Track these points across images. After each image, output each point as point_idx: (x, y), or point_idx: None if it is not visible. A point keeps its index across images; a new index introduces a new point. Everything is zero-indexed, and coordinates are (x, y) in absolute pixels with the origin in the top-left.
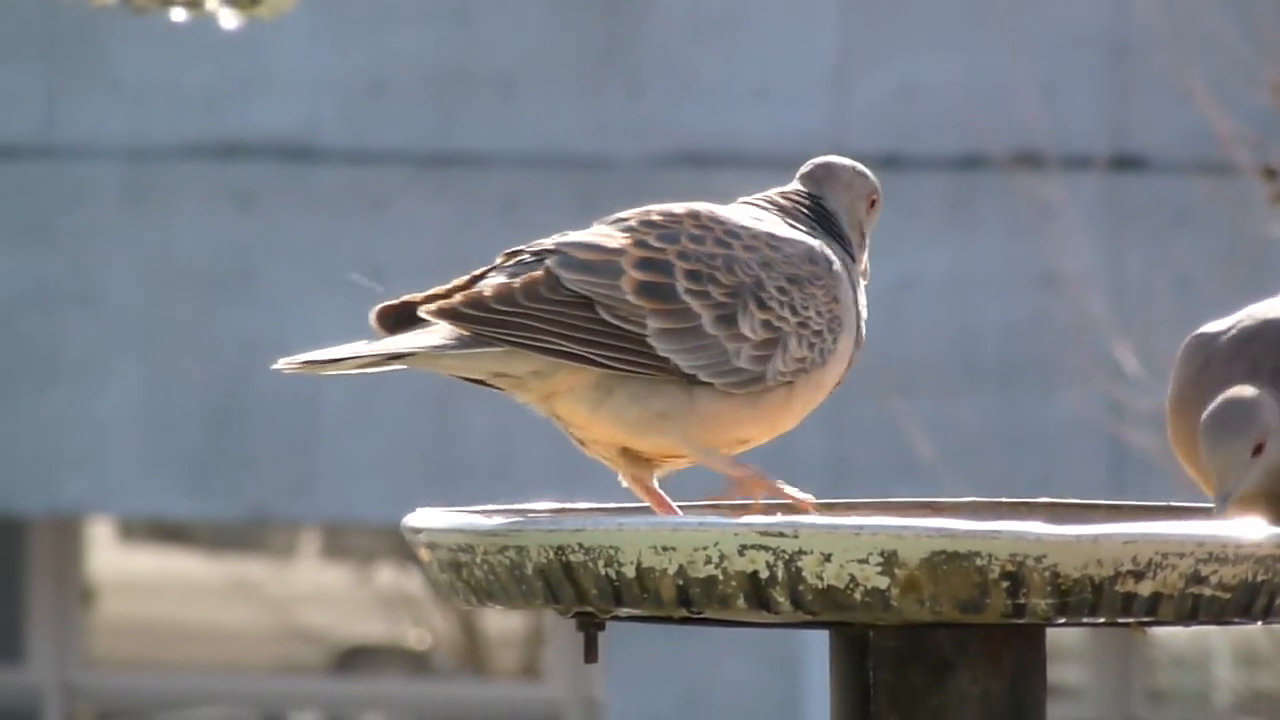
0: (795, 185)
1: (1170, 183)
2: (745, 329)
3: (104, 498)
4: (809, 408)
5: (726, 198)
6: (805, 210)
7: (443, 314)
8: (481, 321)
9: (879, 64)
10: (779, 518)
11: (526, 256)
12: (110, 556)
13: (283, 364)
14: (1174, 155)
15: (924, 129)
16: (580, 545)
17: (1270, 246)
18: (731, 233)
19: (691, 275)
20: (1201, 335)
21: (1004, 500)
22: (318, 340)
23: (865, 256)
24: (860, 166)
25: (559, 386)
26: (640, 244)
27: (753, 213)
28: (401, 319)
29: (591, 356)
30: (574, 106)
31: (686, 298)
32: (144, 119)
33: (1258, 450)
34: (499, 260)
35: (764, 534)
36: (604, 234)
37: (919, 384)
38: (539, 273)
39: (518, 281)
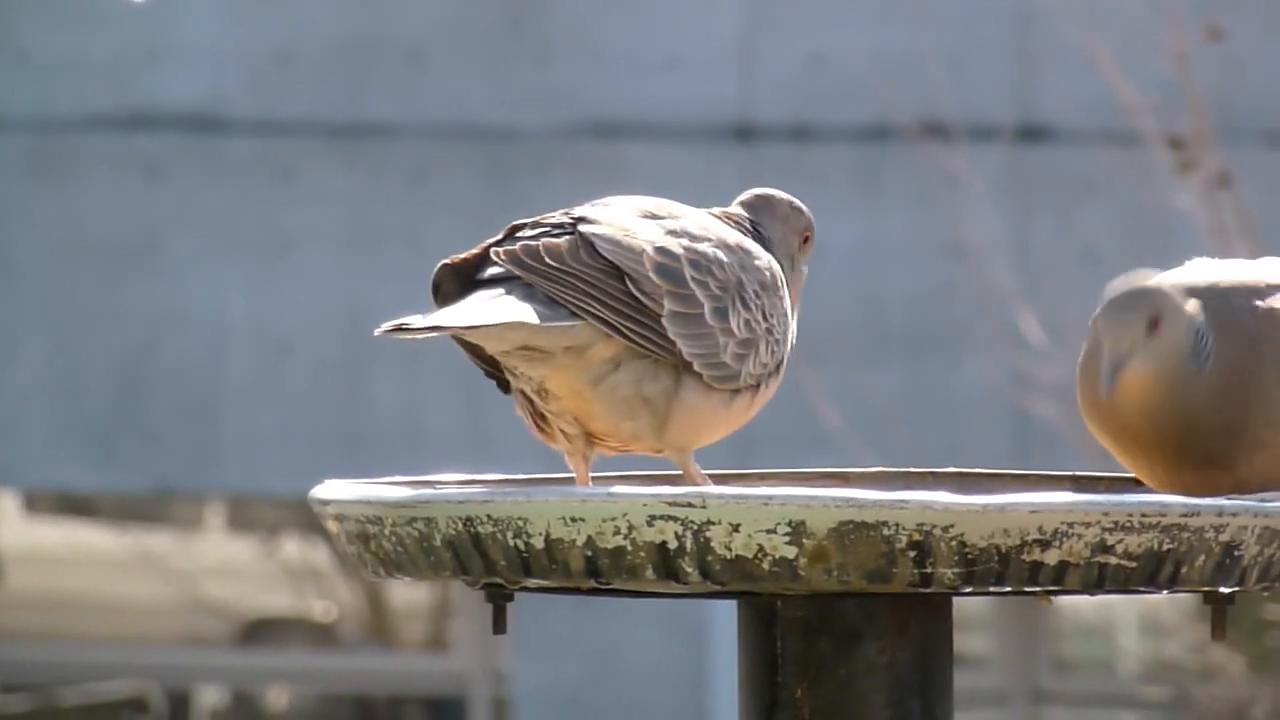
0: (736, 209)
1: (1075, 152)
2: (734, 324)
3: (10, 470)
4: (755, 411)
5: (635, 167)
6: (749, 232)
7: (511, 259)
8: (540, 274)
9: (787, 34)
10: (687, 488)
11: (547, 227)
12: (16, 529)
13: (381, 330)
14: (1079, 125)
15: (831, 99)
16: (489, 517)
17: (1175, 216)
18: (718, 238)
19: (694, 264)
20: None
21: (911, 470)
22: (223, 312)
23: (798, 289)
24: (797, 202)
25: (579, 361)
26: (650, 229)
27: (721, 223)
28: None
29: (622, 328)
30: (483, 76)
31: (693, 285)
32: (51, 91)
33: (1154, 326)
34: (503, 234)
35: (672, 504)
36: (619, 210)
37: (827, 354)
38: (577, 238)
39: (563, 242)
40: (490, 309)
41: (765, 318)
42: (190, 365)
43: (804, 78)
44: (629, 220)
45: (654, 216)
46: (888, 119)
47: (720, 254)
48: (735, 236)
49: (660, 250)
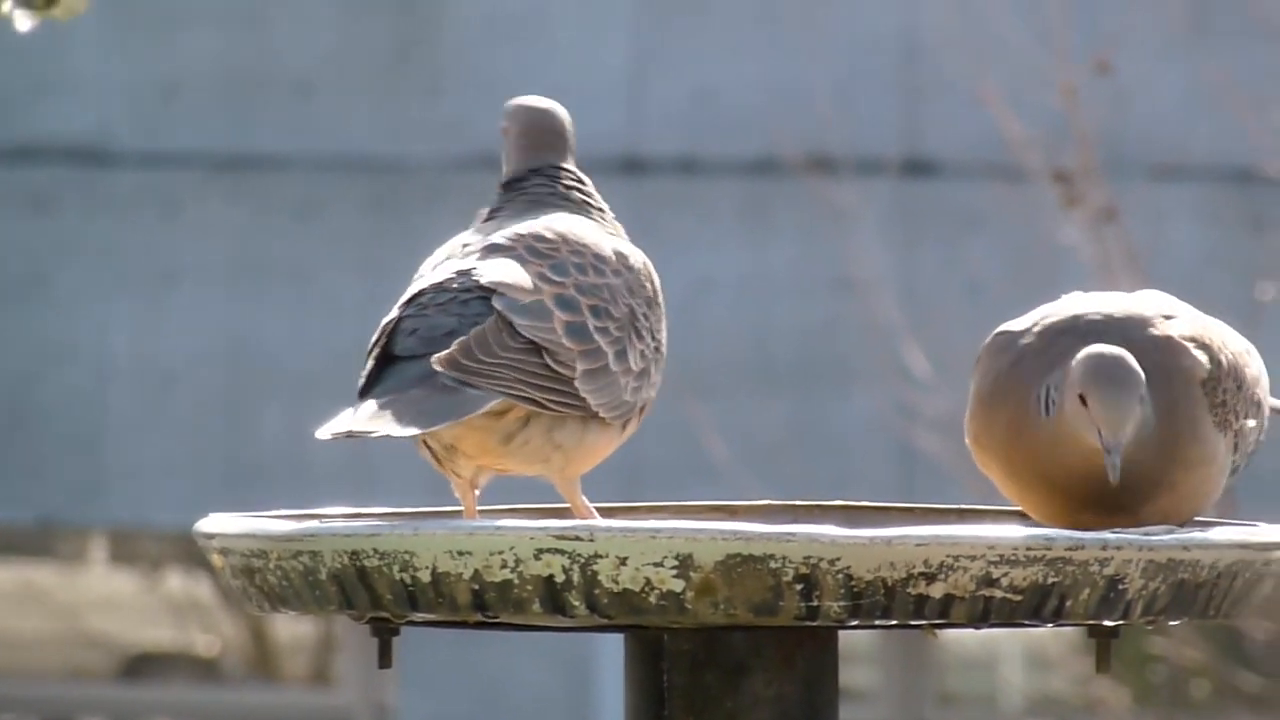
0: (543, 163)
1: (962, 186)
2: (632, 361)
3: None
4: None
5: None
6: (584, 195)
7: (453, 366)
8: (477, 374)
9: (675, 67)
10: (575, 521)
11: (453, 283)
12: None
13: (324, 432)
14: (966, 159)
15: (719, 132)
16: (375, 550)
17: (1060, 250)
18: (599, 257)
19: (594, 311)
20: (1006, 333)
21: (799, 503)
22: (108, 345)
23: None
24: (523, 104)
25: (490, 426)
26: (544, 278)
27: (586, 224)
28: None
29: (546, 403)
30: (370, 109)
31: (597, 337)
32: None
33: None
34: (414, 290)
35: (560, 538)
36: (512, 265)
37: (714, 386)
38: (495, 320)
39: (488, 331)
40: (430, 410)
41: (654, 336)
42: (75, 398)
43: (692, 110)
44: (527, 272)
45: (544, 255)
46: (776, 152)
47: (611, 284)
48: (610, 245)
49: (564, 305)
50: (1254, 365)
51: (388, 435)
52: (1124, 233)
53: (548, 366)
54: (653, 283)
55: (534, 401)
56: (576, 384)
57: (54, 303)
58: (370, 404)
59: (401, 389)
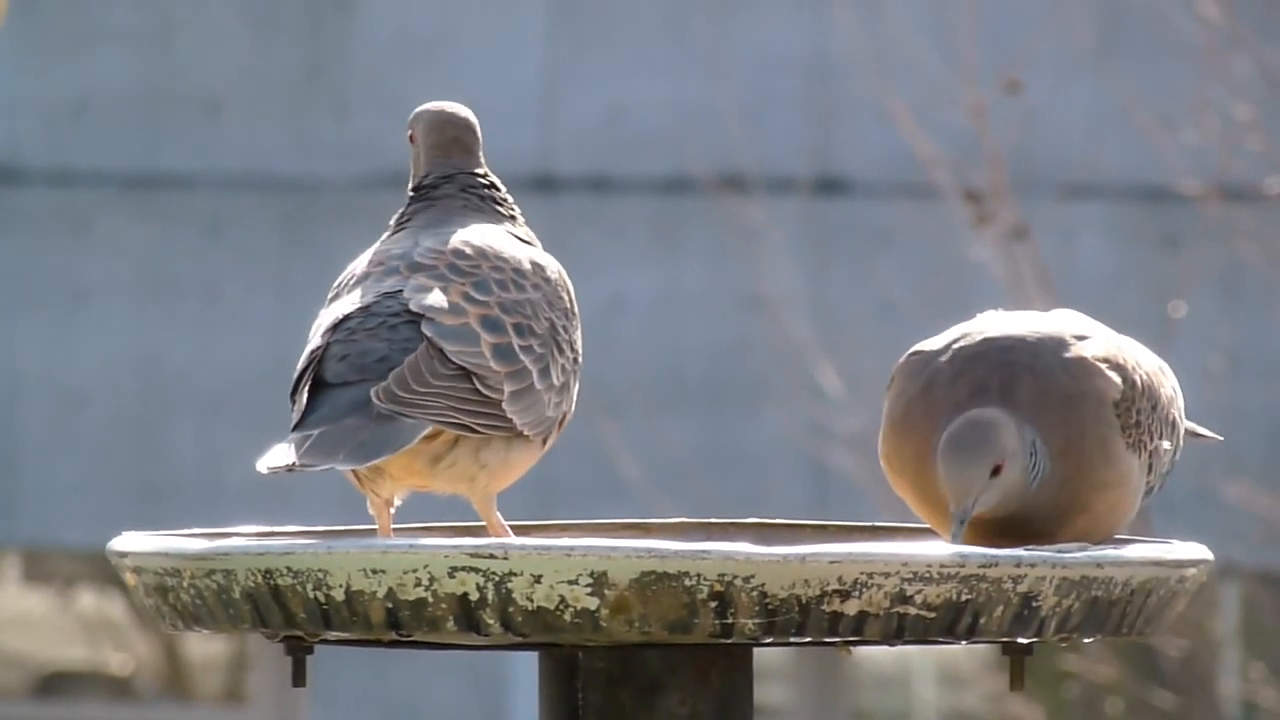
0: (453, 168)
1: (872, 205)
2: (554, 377)
3: None
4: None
5: None
6: (496, 200)
7: (392, 400)
8: (410, 404)
9: (586, 85)
10: (489, 539)
11: (380, 306)
12: None
13: (263, 467)
14: (876, 178)
15: (631, 151)
16: (289, 568)
17: (971, 269)
18: (519, 271)
19: (518, 330)
20: (919, 354)
21: (713, 521)
22: (18, 363)
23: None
24: (429, 109)
25: (433, 444)
26: (468, 298)
27: (501, 234)
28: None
29: (476, 426)
30: (280, 128)
31: (523, 356)
32: None
33: (995, 472)
34: (340, 313)
35: (474, 555)
36: (436, 288)
37: (627, 405)
38: (426, 348)
39: (419, 359)
40: (369, 442)
41: (573, 349)
42: None
43: (603, 129)
44: (452, 292)
45: (466, 272)
46: (687, 171)
47: (532, 299)
48: (526, 256)
49: (490, 326)
50: (1168, 385)
51: (330, 469)
52: (1035, 251)
53: (477, 391)
54: (569, 292)
55: (465, 426)
56: (504, 406)
57: None
58: (308, 434)
59: (336, 418)
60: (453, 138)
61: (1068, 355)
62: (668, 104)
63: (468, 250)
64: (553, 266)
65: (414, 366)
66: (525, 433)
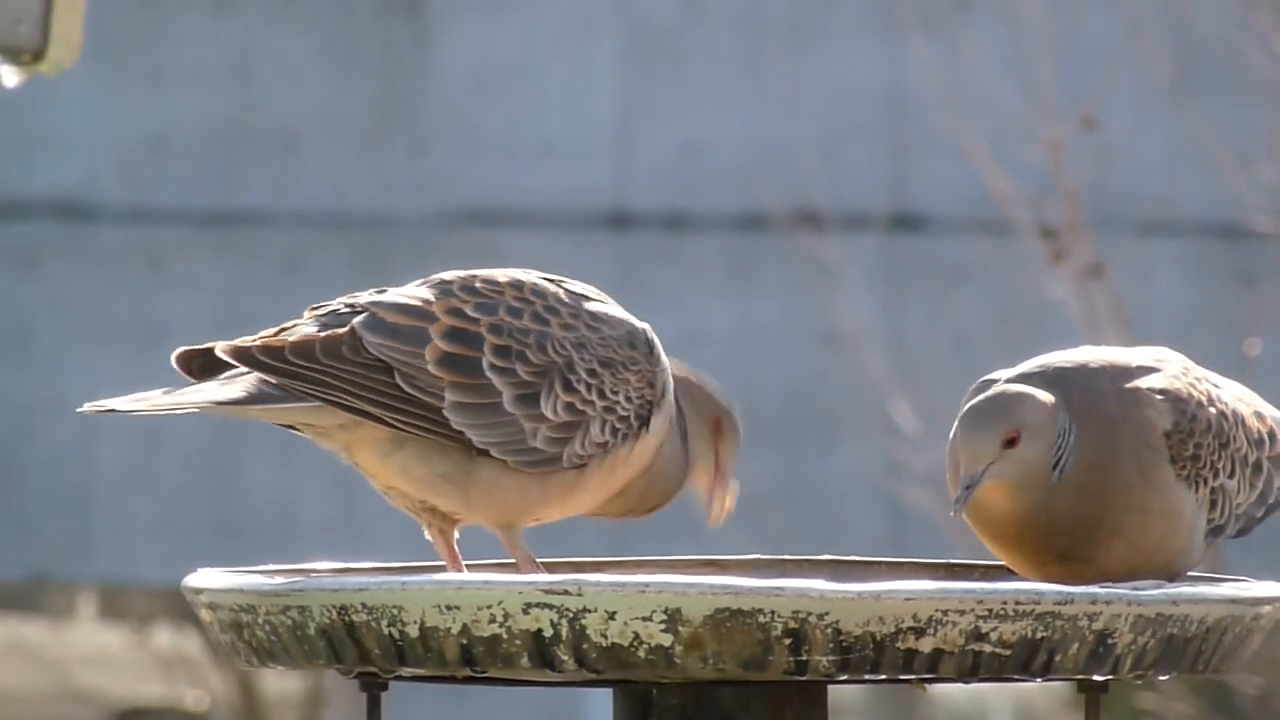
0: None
1: (948, 241)
2: (546, 410)
3: None
4: (608, 488)
5: (510, 255)
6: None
7: (238, 356)
8: (277, 372)
9: (661, 122)
10: (563, 575)
11: (341, 309)
12: None
13: (88, 407)
14: (952, 214)
15: (706, 187)
16: (364, 605)
17: (1046, 305)
18: (551, 309)
19: (500, 351)
20: (987, 382)
21: (787, 557)
22: (92, 399)
23: (704, 474)
24: (707, 387)
25: (360, 438)
26: (454, 312)
27: (582, 289)
28: (206, 365)
29: (386, 419)
30: (356, 164)
31: (490, 374)
32: None
33: (1011, 443)
34: (307, 314)
35: (548, 592)
36: (420, 297)
37: None
38: (343, 331)
39: (320, 337)
40: (230, 395)
41: (604, 395)
42: (62, 454)
43: (679, 165)
44: (434, 305)
45: (481, 294)
46: (762, 207)
47: (549, 333)
48: (589, 307)
49: (453, 338)
50: (1260, 428)
51: (195, 410)
52: (1110, 288)
53: (398, 387)
54: (628, 353)
55: (372, 416)
56: (445, 413)
57: (41, 359)
58: (198, 385)
59: (232, 379)
60: None
61: (1124, 383)
62: (743, 140)
63: (499, 279)
64: (625, 326)
65: (305, 343)
66: (494, 453)
